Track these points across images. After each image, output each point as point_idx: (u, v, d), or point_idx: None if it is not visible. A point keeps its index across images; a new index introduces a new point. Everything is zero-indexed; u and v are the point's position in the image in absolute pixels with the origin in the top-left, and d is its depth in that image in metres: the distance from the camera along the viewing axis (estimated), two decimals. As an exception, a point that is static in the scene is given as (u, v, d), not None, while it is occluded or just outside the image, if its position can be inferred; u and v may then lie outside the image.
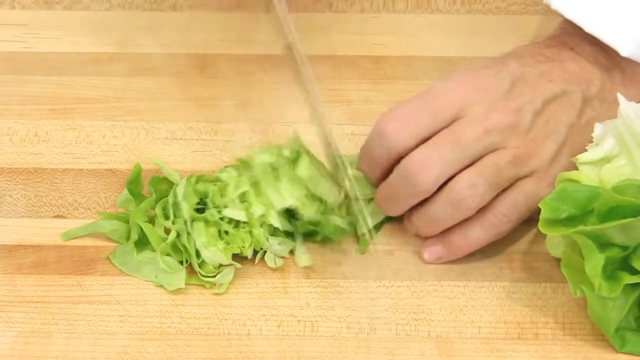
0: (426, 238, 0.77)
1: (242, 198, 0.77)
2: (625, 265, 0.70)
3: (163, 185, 0.80)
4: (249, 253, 0.76)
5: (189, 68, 0.90)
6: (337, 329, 0.74)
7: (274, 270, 0.77)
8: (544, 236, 0.78)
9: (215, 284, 0.76)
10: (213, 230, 0.76)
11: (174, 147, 0.85)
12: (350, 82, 0.88)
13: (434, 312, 0.75)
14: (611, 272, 0.70)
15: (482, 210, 0.75)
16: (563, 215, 0.71)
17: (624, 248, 0.70)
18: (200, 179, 0.78)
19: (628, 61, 0.78)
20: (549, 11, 0.92)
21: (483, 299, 0.75)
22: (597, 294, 0.70)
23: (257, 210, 0.76)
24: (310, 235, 0.78)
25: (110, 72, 0.90)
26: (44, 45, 0.92)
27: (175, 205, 0.77)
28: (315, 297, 0.76)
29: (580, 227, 0.69)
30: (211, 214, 0.76)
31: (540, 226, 0.71)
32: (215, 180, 0.78)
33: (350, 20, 0.90)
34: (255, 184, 0.77)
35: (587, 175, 0.72)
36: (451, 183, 0.74)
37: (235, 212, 0.76)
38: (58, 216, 0.81)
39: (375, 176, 0.77)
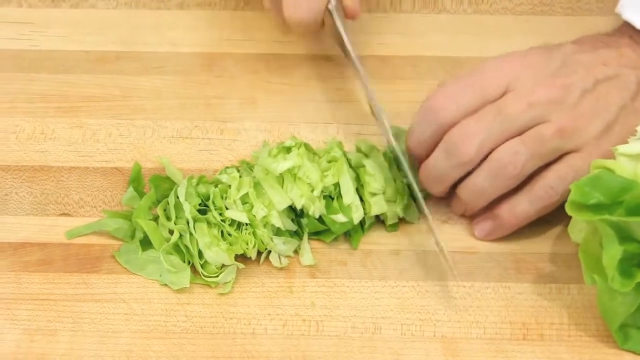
0: (473, 216, 0.78)
1: (244, 199, 0.77)
2: None
3: (165, 184, 0.80)
4: (253, 254, 0.76)
5: (196, 67, 0.90)
6: (343, 328, 0.74)
7: (279, 269, 0.77)
8: (550, 237, 0.78)
9: (219, 284, 0.76)
10: (215, 231, 0.76)
11: (180, 146, 0.85)
12: (356, 82, 0.88)
13: (439, 312, 0.75)
14: (628, 267, 0.69)
15: (529, 183, 0.75)
16: (592, 201, 0.71)
17: None
18: (201, 180, 0.78)
19: None
20: (556, 11, 0.92)
21: (488, 300, 0.75)
22: (609, 286, 0.69)
23: (260, 211, 0.76)
24: (317, 234, 0.78)
25: (116, 70, 0.90)
26: (50, 44, 0.92)
27: (177, 205, 0.77)
28: (320, 296, 0.76)
29: (606, 216, 0.69)
30: (213, 215, 0.76)
31: (567, 207, 0.71)
32: (216, 182, 0.78)
33: (358, 20, 0.89)
34: (257, 185, 0.77)
35: (623, 167, 0.72)
36: (495, 153, 0.74)
37: (237, 214, 0.76)
38: (64, 214, 0.81)
39: (422, 153, 0.78)
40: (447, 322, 0.74)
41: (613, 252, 0.69)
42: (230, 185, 0.78)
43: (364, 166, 0.79)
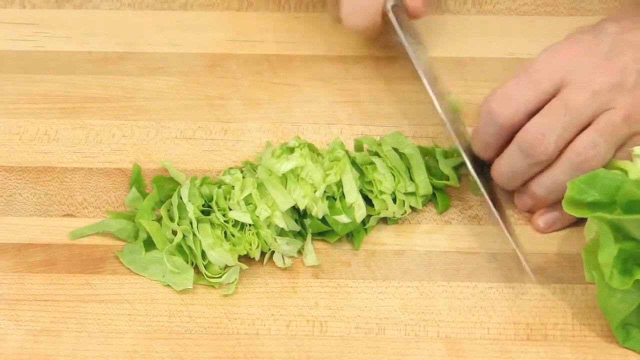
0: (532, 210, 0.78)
1: (247, 200, 0.77)
2: None
3: (168, 185, 0.80)
4: (256, 254, 0.76)
5: (199, 67, 0.90)
6: (346, 329, 0.74)
7: (283, 270, 0.77)
8: (554, 237, 0.78)
9: (222, 284, 0.76)
10: (219, 232, 0.76)
11: (184, 147, 0.85)
12: (360, 82, 0.88)
13: (443, 312, 0.75)
14: (627, 265, 0.70)
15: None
16: (589, 199, 0.71)
17: None
18: (204, 181, 0.78)
19: None
20: (560, 12, 0.92)
21: (492, 300, 0.75)
22: (607, 283, 0.70)
23: (263, 212, 0.76)
24: (321, 234, 0.78)
25: (120, 71, 0.90)
26: (54, 44, 0.92)
27: (180, 206, 0.77)
28: (324, 297, 0.76)
29: (600, 214, 0.69)
30: (216, 216, 0.76)
31: (564, 203, 0.72)
32: (220, 182, 0.78)
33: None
34: (260, 186, 0.77)
35: (637, 168, 0.72)
36: (572, 146, 0.74)
37: (241, 215, 0.76)
38: (68, 215, 0.81)
39: (489, 156, 0.78)
40: (450, 322, 0.74)
41: (608, 251, 0.69)
42: (233, 186, 0.78)
43: (372, 163, 0.79)
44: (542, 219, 0.78)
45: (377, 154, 0.80)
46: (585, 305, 0.75)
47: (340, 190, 0.78)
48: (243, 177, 0.78)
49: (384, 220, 0.79)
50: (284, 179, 0.77)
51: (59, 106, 0.87)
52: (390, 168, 0.79)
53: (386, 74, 0.89)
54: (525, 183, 0.77)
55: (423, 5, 0.84)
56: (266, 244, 0.76)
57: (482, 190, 0.77)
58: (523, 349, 0.73)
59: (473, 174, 0.78)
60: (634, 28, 0.77)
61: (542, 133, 0.74)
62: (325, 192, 0.77)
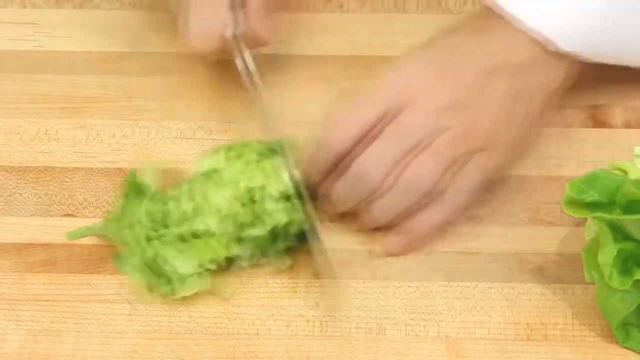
0: (375, 230, 0.77)
1: (195, 212, 0.76)
2: None
3: (134, 195, 0.78)
4: (221, 260, 0.75)
5: (199, 67, 0.90)
6: (346, 329, 0.74)
7: (284, 270, 0.77)
8: (555, 238, 0.78)
9: (187, 293, 0.75)
10: (180, 243, 0.75)
11: (184, 147, 0.85)
12: (360, 82, 0.88)
13: (443, 312, 0.75)
14: (626, 265, 0.70)
15: (438, 192, 0.75)
16: (589, 199, 0.71)
17: None
18: (155, 196, 0.77)
19: (550, 54, 0.77)
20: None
21: (492, 300, 0.75)
22: (606, 283, 0.70)
23: (211, 221, 0.75)
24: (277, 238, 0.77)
25: (120, 71, 0.90)
26: (54, 44, 0.92)
27: (139, 223, 0.76)
28: (324, 297, 0.75)
29: (600, 214, 0.69)
30: (172, 230, 0.75)
31: (563, 204, 0.72)
32: (169, 199, 0.77)
33: (360, 20, 0.89)
34: (204, 195, 0.76)
35: (637, 168, 0.72)
36: (406, 171, 0.74)
37: (190, 227, 0.75)
38: (68, 215, 0.81)
39: (320, 178, 0.77)
40: (451, 322, 0.74)
41: (608, 251, 0.69)
42: (181, 198, 0.76)
43: (278, 167, 0.77)
44: (388, 243, 0.77)
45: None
46: (585, 305, 0.75)
47: (262, 192, 0.76)
48: (189, 188, 0.77)
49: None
50: (217, 181, 0.76)
51: (59, 106, 0.87)
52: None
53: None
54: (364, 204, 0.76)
55: (267, 34, 0.82)
56: (217, 252, 0.75)
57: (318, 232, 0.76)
58: (523, 349, 0.73)
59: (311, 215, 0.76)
60: (465, 38, 0.77)
61: (377, 160, 0.74)
62: (248, 194, 0.75)
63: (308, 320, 0.74)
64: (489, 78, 0.76)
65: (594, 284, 0.72)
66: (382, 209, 0.76)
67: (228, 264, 0.76)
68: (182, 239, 0.76)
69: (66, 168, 0.83)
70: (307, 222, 0.76)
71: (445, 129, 0.74)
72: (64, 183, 0.82)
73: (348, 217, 0.78)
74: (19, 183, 0.83)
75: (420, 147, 0.74)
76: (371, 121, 0.75)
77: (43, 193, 0.82)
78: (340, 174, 0.76)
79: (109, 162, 0.84)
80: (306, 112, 0.86)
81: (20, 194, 0.82)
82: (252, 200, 0.76)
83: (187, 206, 0.76)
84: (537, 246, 0.78)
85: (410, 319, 0.74)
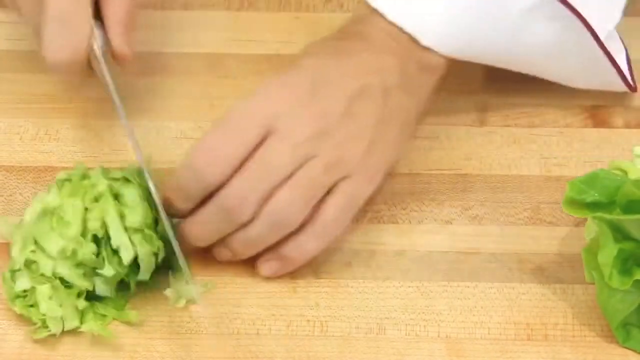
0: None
1: (30, 260, 0.73)
2: None
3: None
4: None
5: (200, 67, 0.90)
6: (347, 329, 0.74)
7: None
8: (555, 238, 0.78)
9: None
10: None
11: (185, 146, 0.84)
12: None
13: (443, 312, 0.75)
14: (626, 265, 0.70)
15: (309, 220, 0.74)
16: (589, 199, 0.71)
17: None
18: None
19: (423, 50, 0.77)
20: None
21: (493, 300, 0.75)
22: (607, 283, 0.70)
23: (46, 267, 0.72)
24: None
25: (120, 70, 0.89)
26: (54, 44, 0.92)
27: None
28: (324, 297, 0.76)
29: (600, 214, 0.69)
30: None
31: (563, 204, 0.72)
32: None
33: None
34: (36, 240, 0.73)
35: (637, 168, 0.72)
36: (269, 204, 0.72)
37: (23, 282, 0.73)
38: (68, 215, 0.81)
39: (186, 209, 0.74)
40: (451, 322, 0.74)
41: (608, 251, 0.69)
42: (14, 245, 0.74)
43: (122, 195, 0.74)
44: (263, 267, 0.76)
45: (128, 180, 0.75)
46: (586, 305, 0.75)
47: (104, 230, 0.73)
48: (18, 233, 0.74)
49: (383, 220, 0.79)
50: (53, 219, 0.73)
51: (59, 106, 0.87)
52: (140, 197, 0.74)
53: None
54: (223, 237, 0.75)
55: (130, 49, 0.79)
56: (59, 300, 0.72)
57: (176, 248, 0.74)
58: (523, 349, 0.73)
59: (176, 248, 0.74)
60: (330, 62, 0.76)
61: (242, 195, 0.72)
62: (90, 231, 0.72)
63: (308, 320, 0.74)
64: (359, 101, 0.74)
65: (594, 284, 0.72)
66: (245, 243, 0.74)
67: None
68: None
69: (67, 168, 0.83)
70: (169, 250, 0.74)
71: (311, 158, 0.73)
72: (64, 183, 0.82)
73: (212, 247, 0.76)
74: (19, 183, 0.83)
75: (284, 178, 0.72)
76: (242, 149, 0.72)
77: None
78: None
79: (109, 161, 0.83)
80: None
81: (20, 194, 0.82)
82: (96, 241, 0.72)
83: (26, 254, 0.73)
84: (538, 246, 0.78)
85: (411, 319, 0.74)
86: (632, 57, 0.84)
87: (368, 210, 0.80)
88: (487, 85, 0.88)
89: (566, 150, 0.83)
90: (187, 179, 0.74)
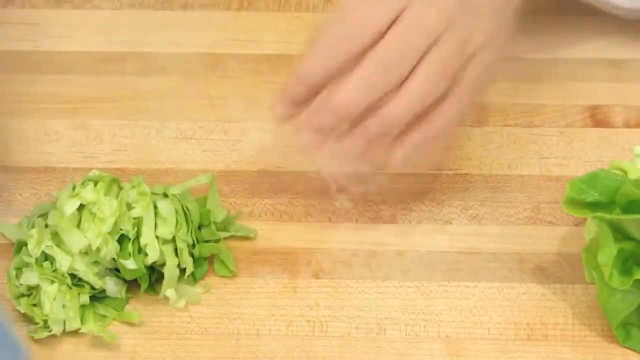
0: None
1: (47, 253, 0.73)
2: None
3: None
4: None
5: (200, 67, 0.90)
6: (347, 329, 0.74)
7: (284, 270, 0.77)
8: (555, 237, 0.78)
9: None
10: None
11: (185, 147, 0.85)
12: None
13: (443, 312, 0.75)
14: (626, 265, 0.70)
15: (450, 88, 0.73)
16: (589, 199, 0.71)
17: None
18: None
19: None
20: (565, 11, 0.92)
21: (493, 300, 0.75)
22: (607, 283, 0.70)
23: (63, 261, 0.73)
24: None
25: (120, 71, 0.90)
26: (54, 44, 0.92)
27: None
28: (324, 297, 0.76)
29: (600, 214, 0.69)
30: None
31: (563, 203, 0.72)
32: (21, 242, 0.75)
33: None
34: (55, 234, 0.73)
35: (636, 168, 0.72)
36: (425, 64, 0.72)
37: (30, 277, 0.73)
38: (68, 215, 0.81)
39: (314, 82, 0.73)
40: (451, 322, 0.74)
41: (608, 251, 0.69)
42: (27, 243, 0.74)
43: (157, 207, 0.75)
44: (399, 153, 0.73)
45: (165, 195, 0.76)
46: (586, 305, 0.75)
47: (136, 229, 0.74)
48: (38, 230, 0.74)
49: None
50: (78, 218, 0.74)
51: (59, 106, 0.87)
52: (177, 212, 0.75)
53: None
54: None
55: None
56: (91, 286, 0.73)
57: None
58: (523, 349, 0.73)
59: None
60: None
61: (400, 49, 0.71)
62: (120, 229, 0.73)
63: (308, 321, 0.74)
64: None
65: (594, 283, 0.72)
66: (398, 108, 0.72)
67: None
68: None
69: (66, 168, 0.83)
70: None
71: (455, 27, 0.73)
72: (64, 183, 0.82)
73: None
74: (18, 183, 0.83)
75: (434, 39, 0.72)
76: (387, 16, 0.72)
77: (43, 193, 0.82)
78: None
79: (109, 162, 0.84)
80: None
81: (19, 194, 0.82)
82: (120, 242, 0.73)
83: (40, 249, 0.73)
84: (537, 246, 0.78)
85: (410, 319, 0.74)
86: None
87: (368, 210, 0.80)
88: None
89: (566, 150, 0.83)
90: (336, 38, 0.72)
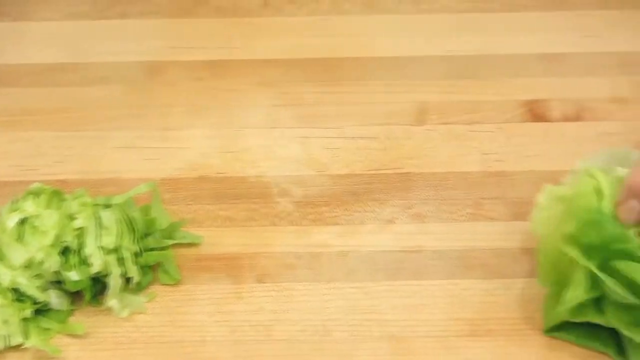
0: None
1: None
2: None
3: None
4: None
5: (140, 75, 0.90)
6: (292, 332, 0.74)
7: (227, 275, 0.77)
8: (496, 233, 0.79)
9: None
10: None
11: (128, 155, 0.84)
12: (301, 85, 0.88)
13: (387, 312, 0.75)
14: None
15: None
16: (585, 240, 0.70)
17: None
18: None
19: None
20: (495, 9, 0.93)
21: (436, 297, 0.76)
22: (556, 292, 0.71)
23: (3, 276, 0.73)
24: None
25: (61, 82, 0.89)
26: (-7, 57, 0.91)
27: None
28: (269, 301, 0.76)
29: (583, 261, 0.69)
30: None
31: (563, 238, 0.71)
32: None
33: (300, 23, 0.89)
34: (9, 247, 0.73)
35: (608, 179, 0.72)
36: None
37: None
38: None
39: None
40: (395, 321, 0.74)
41: (575, 295, 0.70)
42: None
43: (99, 218, 0.75)
44: None
45: (108, 205, 0.76)
46: (529, 299, 0.75)
47: (79, 241, 0.74)
48: None
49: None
50: (22, 231, 0.74)
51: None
52: (120, 221, 0.75)
53: (325, 76, 0.89)
54: None
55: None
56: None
57: None
58: (467, 345, 0.73)
59: None
60: None
61: None
62: (63, 241, 0.74)
63: (253, 325, 0.74)
64: None
65: (535, 278, 0.73)
66: None
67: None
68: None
69: (6, 182, 0.83)
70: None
71: None
72: (5, 197, 0.81)
73: None
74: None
75: None
76: None
77: (-16, 208, 0.81)
78: None
79: (51, 174, 0.83)
80: (249, 117, 0.86)
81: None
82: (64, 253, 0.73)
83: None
84: (480, 242, 0.78)
85: (355, 319, 0.74)
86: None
87: (309, 213, 0.80)
88: (424, 83, 0.88)
89: (505, 146, 0.84)
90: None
